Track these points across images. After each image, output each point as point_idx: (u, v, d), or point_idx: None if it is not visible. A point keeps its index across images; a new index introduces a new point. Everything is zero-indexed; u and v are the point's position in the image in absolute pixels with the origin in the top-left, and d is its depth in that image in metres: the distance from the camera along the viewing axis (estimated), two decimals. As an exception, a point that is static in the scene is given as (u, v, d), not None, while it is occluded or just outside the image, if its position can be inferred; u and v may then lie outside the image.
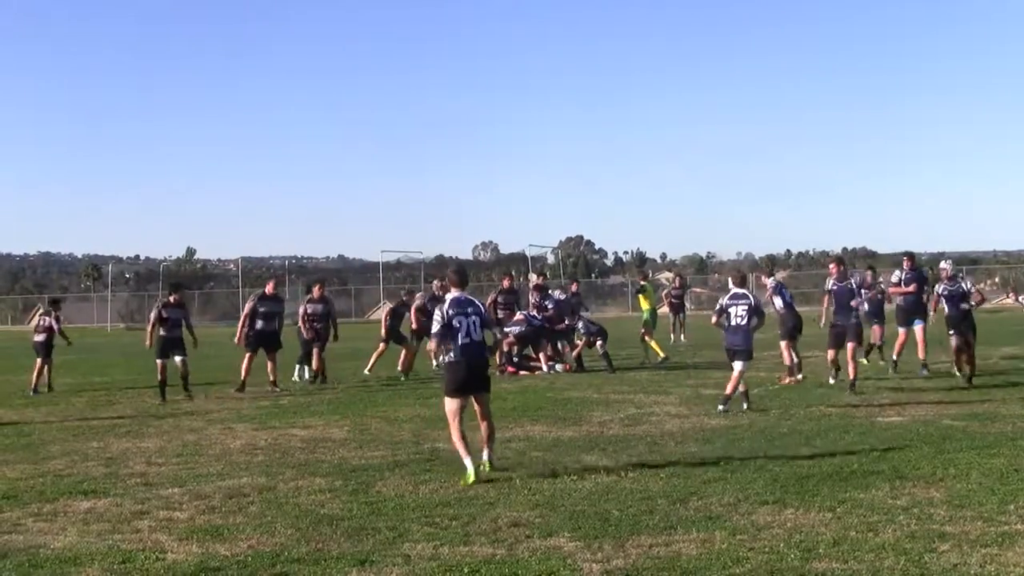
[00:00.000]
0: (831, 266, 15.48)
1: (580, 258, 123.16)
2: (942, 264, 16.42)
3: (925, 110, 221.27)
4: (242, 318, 18.02)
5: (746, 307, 13.19)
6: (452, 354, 9.24)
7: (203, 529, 7.45)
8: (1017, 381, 15.62)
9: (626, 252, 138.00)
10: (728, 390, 13.15)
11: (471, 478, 8.77)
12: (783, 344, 16.36)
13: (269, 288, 18.47)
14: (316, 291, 19.16)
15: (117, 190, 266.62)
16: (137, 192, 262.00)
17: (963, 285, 15.64)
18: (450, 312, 9.19)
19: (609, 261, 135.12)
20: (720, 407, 12.99)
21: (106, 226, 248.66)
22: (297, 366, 19.31)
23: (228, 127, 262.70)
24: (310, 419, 13.71)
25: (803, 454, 9.88)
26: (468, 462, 8.94)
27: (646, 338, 22.19)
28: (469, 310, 9.28)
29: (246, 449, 11.28)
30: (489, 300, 19.98)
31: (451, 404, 9.24)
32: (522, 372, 19.39)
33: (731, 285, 13.71)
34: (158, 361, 16.34)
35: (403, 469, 9.68)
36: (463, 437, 9.11)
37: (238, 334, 17.90)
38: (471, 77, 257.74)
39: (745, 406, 13.04)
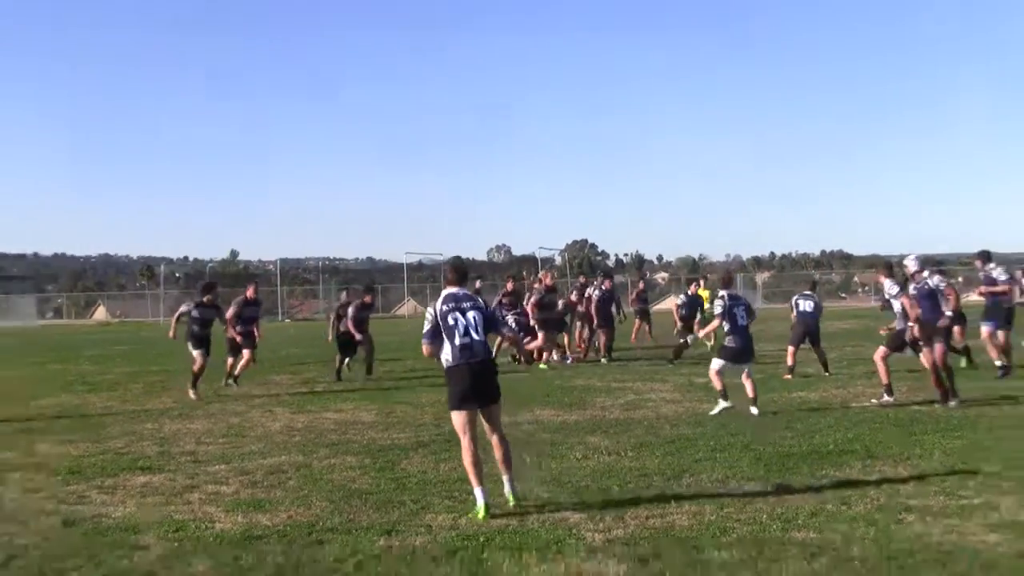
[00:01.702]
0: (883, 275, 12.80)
1: (584, 259, 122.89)
2: (906, 260, 12.86)
3: (906, 119, 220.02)
4: (228, 322, 16.28)
5: (745, 307, 11.81)
6: (449, 358, 7.09)
7: (247, 502, 7.53)
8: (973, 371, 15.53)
9: (626, 254, 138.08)
10: (751, 393, 11.46)
11: (481, 512, 6.82)
12: (791, 349, 16.06)
13: (250, 293, 17.11)
14: (368, 298, 18.07)
15: (170, 196, 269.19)
16: (188, 198, 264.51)
17: (929, 282, 12.33)
18: (443, 308, 7.11)
19: (611, 262, 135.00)
20: (754, 409, 11.38)
21: (159, 230, 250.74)
22: (347, 360, 18.92)
23: (271, 136, 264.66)
24: (342, 404, 13.78)
25: (785, 436, 9.91)
26: (479, 493, 6.93)
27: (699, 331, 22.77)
28: (465, 305, 7.16)
29: (285, 431, 11.35)
30: (494, 303, 19.69)
31: (457, 418, 7.15)
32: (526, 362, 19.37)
33: (720, 288, 12.18)
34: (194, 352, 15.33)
35: (425, 449, 9.73)
36: (475, 461, 7.02)
37: (231, 333, 16.44)
38: (493, 89, 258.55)
39: (755, 410, 11.35)
